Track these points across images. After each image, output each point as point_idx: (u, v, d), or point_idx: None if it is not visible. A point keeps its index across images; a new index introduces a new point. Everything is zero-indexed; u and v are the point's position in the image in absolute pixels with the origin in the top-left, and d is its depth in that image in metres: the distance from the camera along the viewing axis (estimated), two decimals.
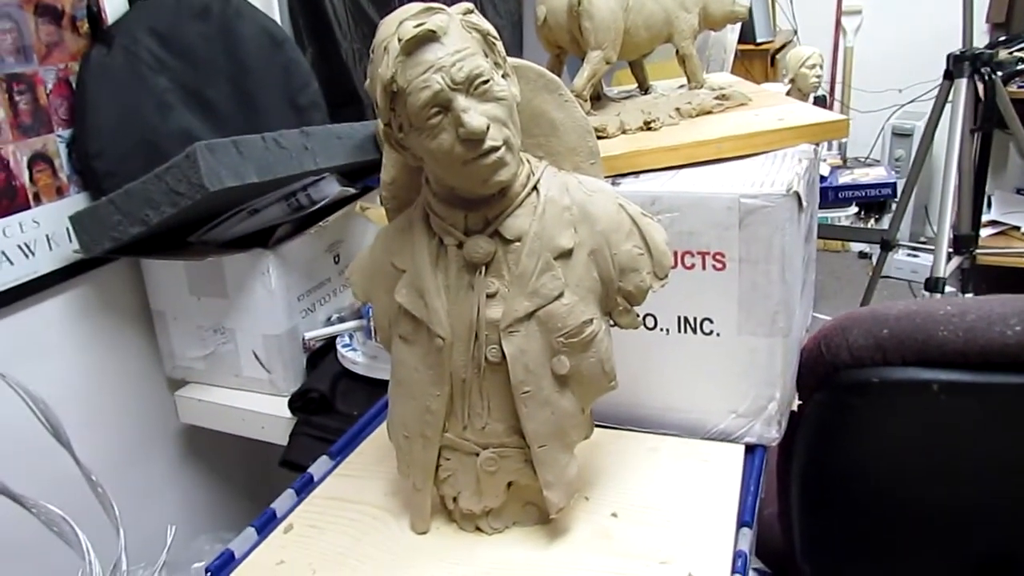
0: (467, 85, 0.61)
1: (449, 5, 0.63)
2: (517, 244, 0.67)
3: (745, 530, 0.74)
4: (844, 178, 3.11)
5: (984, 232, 2.87)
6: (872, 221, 3.34)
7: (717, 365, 0.85)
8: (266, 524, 0.79)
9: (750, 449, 0.87)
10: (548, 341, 0.67)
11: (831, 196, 3.09)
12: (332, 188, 1.35)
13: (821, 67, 2.44)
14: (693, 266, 0.83)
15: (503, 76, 0.64)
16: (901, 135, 3.41)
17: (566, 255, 0.67)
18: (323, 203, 1.34)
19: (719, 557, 0.70)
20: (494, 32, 0.64)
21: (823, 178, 3.08)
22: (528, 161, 0.69)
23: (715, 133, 0.89)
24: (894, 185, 3.10)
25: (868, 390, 0.82)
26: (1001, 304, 0.78)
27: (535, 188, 0.68)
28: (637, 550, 0.71)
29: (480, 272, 0.67)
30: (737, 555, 0.71)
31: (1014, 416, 0.79)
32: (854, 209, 3.19)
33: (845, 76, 3.59)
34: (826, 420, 0.88)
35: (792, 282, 0.82)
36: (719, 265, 0.82)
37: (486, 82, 0.61)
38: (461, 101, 0.60)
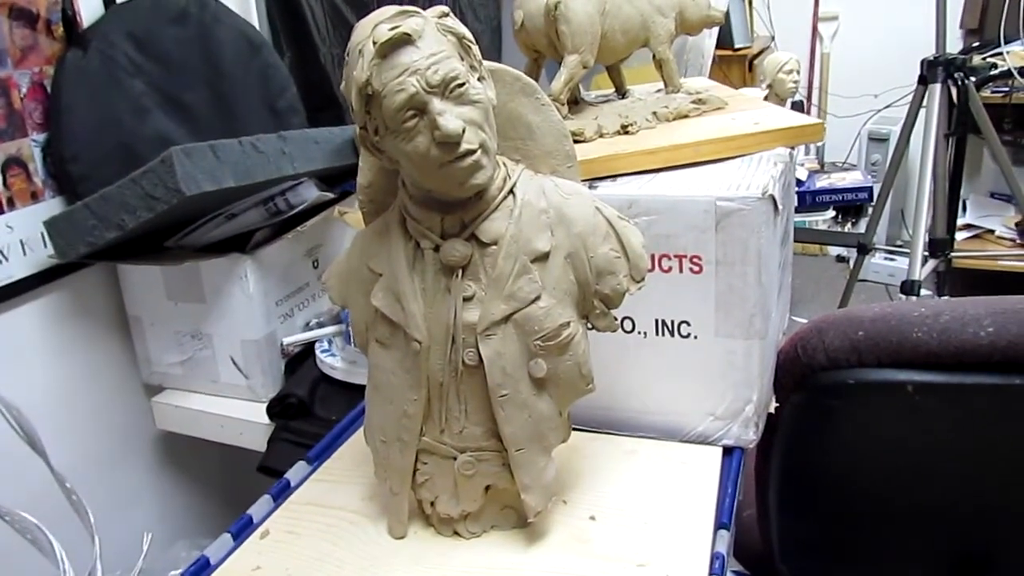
0: (443, 88, 0.60)
1: (425, 8, 0.63)
2: (494, 247, 0.67)
3: (723, 532, 0.74)
4: (821, 182, 3.14)
5: (959, 235, 2.90)
6: (849, 225, 3.37)
7: (694, 368, 0.86)
8: (242, 530, 0.78)
9: (728, 451, 0.87)
10: (525, 344, 0.67)
11: (808, 200, 3.12)
12: (310, 193, 1.35)
13: (798, 72, 2.47)
14: (670, 269, 0.83)
15: (479, 79, 0.64)
16: (877, 140, 3.44)
17: (543, 258, 0.67)
18: (301, 208, 1.33)
19: (696, 559, 0.70)
20: (469, 35, 0.64)
21: (801, 182, 3.10)
22: (505, 164, 0.69)
23: (692, 137, 0.89)
24: (870, 189, 3.14)
25: (844, 391, 0.83)
26: (974, 305, 0.79)
27: (511, 191, 0.68)
28: (615, 553, 0.72)
29: (457, 275, 0.67)
30: (715, 557, 0.71)
31: (987, 416, 0.80)
32: (831, 213, 3.22)
33: (822, 81, 3.62)
34: (803, 422, 0.88)
35: (768, 284, 0.83)
36: (696, 268, 0.82)
37: (462, 85, 0.61)
38: (437, 104, 0.60)
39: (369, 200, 0.75)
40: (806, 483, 0.92)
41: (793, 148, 0.93)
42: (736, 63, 3.17)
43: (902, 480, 0.88)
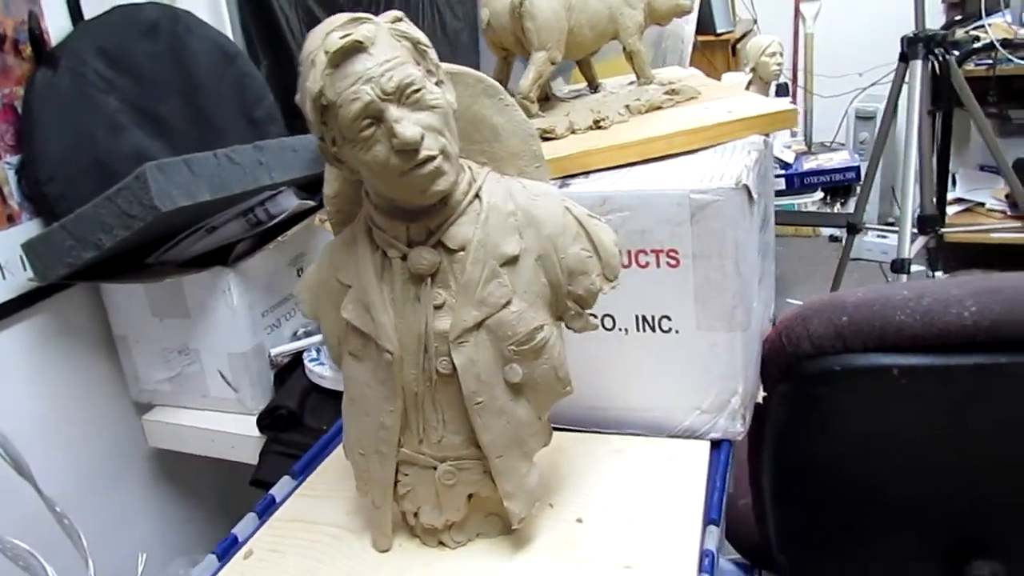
0: (398, 95, 0.59)
1: (377, 14, 0.62)
2: (461, 253, 0.66)
3: (712, 528, 0.74)
4: (809, 164, 3.12)
5: (950, 210, 2.89)
6: (838, 205, 3.35)
7: (678, 362, 0.85)
8: (228, 550, 0.78)
9: (716, 445, 0.86)
10: (499, 350, 0.66)
11: (797, 182, 3.10)
12: (290, 201, 1.34)
13: (781, 55, 2.45)
14: (647, 264, 0.82)
15: (437, 83, 0.63)
16: (864, 118, 3.42)
17: (512, 262, 0.66)
18: (282, 217, 1.32)
19: (685, 558, 0.70)
20: (425, 39, 0.63)
21: (788, 165, 3.09)
22: (469, 168, 0.68)
23: (665, 129, 0.88)
24: (858, 168, 3.12)
25: (830, 378, 0.81)
26: (957, 286, 0.78)
27: (477, 195, 0.67)
28: (602, 556, 0.71)
29: (426, 284, 0.66)
30: (704, 554, 0.70)
31: (974, 396, 0.79)
32: (820, 194, 3.21)
33: (806, 62, 3.60)
34: (791, 411, 0.87)
35: (748, 275, 0.82)
36: (673, 262, 0.81)
37: (418, 91, 0.60)
38: (393, 111, 0.59)
39: (336, 210, 0.74)
40: (798, 472, 0.91)
41: (768, 135, 0.92)
42: (719, 48, 3.15)
43: (892, 464, 0.87)
